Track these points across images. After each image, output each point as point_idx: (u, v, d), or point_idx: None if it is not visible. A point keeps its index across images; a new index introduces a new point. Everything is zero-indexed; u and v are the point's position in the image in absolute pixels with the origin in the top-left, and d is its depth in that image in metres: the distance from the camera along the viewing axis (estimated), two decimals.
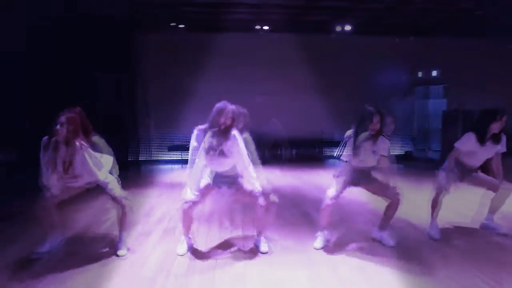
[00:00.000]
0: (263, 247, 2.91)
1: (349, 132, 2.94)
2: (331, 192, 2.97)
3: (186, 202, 2.75)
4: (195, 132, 2.74)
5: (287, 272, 2.55)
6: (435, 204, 3.31)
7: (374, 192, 3.06)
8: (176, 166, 7.78)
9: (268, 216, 2.98)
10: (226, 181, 2.85)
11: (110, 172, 2.82)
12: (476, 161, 3.24)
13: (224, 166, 2.76)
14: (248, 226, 3.42)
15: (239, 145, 2.71)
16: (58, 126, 2.48)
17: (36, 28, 5.24)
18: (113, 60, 6.92)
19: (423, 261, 2.70)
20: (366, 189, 3.08)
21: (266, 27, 7.41)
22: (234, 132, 2.74)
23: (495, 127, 3.06)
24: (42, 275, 2.45)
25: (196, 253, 2.86)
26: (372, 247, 3.00)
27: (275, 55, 8.00)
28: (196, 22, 7.06)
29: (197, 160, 2.70)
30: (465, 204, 4.28)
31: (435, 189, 3.31)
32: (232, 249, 3.00)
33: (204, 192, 2.84)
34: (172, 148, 8.05)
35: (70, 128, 2.49)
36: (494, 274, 2.46)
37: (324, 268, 2.61)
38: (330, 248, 2.97)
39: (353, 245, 3.03)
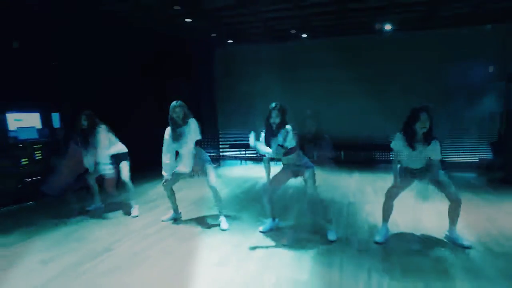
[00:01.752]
0: (223, 225, 3.74)
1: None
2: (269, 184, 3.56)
3: (164, 180, 3.83)
4: (167, 129, 3.75)
5: (207, 247, 3.24)
6: (385, 207, 3.40)
7: None
8: (236, 162, 8.97)
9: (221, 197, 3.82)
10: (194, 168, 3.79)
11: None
12: (414, 163, 3.19)
13: (183, 148, 3.65)
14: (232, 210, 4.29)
15: (191, 131, 3.58)
16: (84, 121, 4.00)
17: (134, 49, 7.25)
18: (180, 70, 8.59)
19: (332, 262, 2.92)
20: None
21: (304, 35, 7.80)
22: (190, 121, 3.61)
23: (419, 127, 2.97)
24: (87, 220, 4.06)
25: (172, 223, 3.95)
26: (304, 242, 3.34)
27: (325, 58, 8.30)
28: (245, 36, 8.12)
29: (165, 148, 3.72)
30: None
31: (389, 192, 3.39)
32: (200, 224, 3.90)
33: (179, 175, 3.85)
34: (233, 146, 9.29)
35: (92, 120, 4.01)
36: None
37: (238, 249, 3.19)
38: (270, 234, 3.55)
39: (291, 236, 3.48)
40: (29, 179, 4.85)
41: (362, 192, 5.24)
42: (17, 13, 4.96)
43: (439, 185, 3.17)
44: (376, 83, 8.02)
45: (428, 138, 3.01)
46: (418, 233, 3.54)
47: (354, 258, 2.95)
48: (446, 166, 7.28)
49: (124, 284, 2.57)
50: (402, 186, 3.33)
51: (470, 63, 7.38)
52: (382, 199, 3.40)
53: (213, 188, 3.73)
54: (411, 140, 3.05)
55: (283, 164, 3.56)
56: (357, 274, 2.66)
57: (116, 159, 4.19)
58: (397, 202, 3.38)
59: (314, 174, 3.42)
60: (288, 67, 8.51)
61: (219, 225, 3.76)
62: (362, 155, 8.25)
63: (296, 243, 3.32)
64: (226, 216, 3.89)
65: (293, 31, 7.55)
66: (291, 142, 3.27)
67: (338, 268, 2.77)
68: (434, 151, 3.07)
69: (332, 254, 3.03)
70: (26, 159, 4.89)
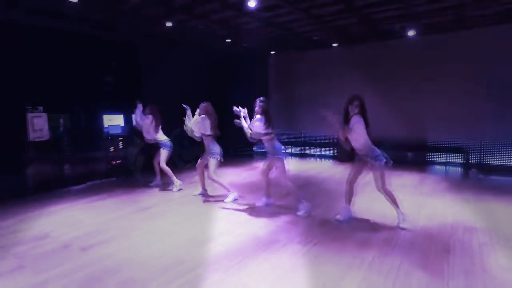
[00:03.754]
0: (227, 198, 5.08)
1: None
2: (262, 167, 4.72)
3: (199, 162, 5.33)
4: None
5: (211, 212, 4.62)
6: (347, 191, 4.18)
7: None
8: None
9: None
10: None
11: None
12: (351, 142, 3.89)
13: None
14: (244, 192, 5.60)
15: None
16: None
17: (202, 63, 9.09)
18: (242, 79, 10.12)
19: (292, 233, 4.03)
20: None
21: (335, 44, 8.47)
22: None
23: (350, 110, 3.77)
24: (145, 191, 5.82)
25: (198, 195, 5.43)
26: (279, 214, 4.46)
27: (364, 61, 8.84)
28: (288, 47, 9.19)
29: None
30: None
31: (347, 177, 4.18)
32: (217, 198, 5.28)
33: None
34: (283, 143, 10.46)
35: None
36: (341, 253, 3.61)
37: (229, 214, 4.51)
38: (261, 208, 4.73)
39: (272, 210, 4.63)
40: (114, 162, 6.95)
41: (364, 185, 5.85)
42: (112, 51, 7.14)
43: (373, 175, 3.86)
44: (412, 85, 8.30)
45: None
46: (377, 216, 4.26)
47: (308, 228, 3.93)
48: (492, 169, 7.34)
49: (153, 225, 4.08)
50: (358, 171, 4.06)
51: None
52: (377, 194, 4.03)
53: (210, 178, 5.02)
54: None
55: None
56: (303, 237, 3.65)
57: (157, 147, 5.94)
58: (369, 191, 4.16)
59: (282, 164, 4.44)
60: (329, 72, 9.35)
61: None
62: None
63: (272, 215, 4.42)
64: (241, 196, 5.27)
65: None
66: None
67: (291, 232, 3.80)
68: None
69: (293, 224, 4.07)
70: (112, 148, 7.00)
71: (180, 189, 5.85)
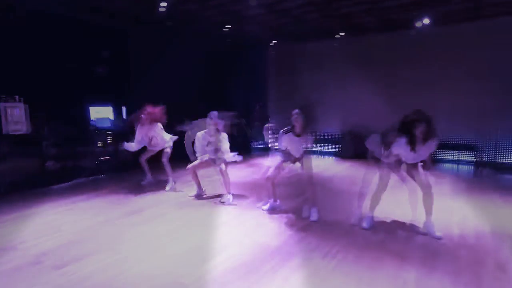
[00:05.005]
0: (223, 199, 4.53)
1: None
2: (270, 171, 4.13)
3: (189, 164, 4.73)
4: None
5: (209, 216, 4.03)
6: (373, 199, 3.65)
7: None
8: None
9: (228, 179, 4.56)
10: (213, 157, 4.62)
11: None
12: (410, 160, 3.40)
13: (209, 148, 4.57)
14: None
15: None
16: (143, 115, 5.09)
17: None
18: (240, 69, 9.50)
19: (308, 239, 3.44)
20: None
21: (341, 34, 7.93)
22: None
23: (419, 132, 3.19)
24: (136, 190, 5.18)
25: (195, 197, 4.80)
26: (291, 219, 3.89)
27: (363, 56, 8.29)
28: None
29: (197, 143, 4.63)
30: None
31: (377, 185, 3.66)
32: (215, 199, 4.67)
33: (205, 162, 4.70)
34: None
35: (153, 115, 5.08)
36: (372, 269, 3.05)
37: (232, 219, 3.94)
38: (266, 211, 4.14)
39: (281, 216, 4.04)
40: (102, 158, 6.29)
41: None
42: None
43: (414, 174, 3.34)
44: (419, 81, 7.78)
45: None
46: (402, 222, 3.73)
47: (326, 236, 3.37)
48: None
49: (144, 232, 3.48)
50: (388, 180, 3.56)
51: None
52: (388, 194, 3.56)
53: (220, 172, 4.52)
54: (413, 145, 3.25)
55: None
56: (322, 248, 3.09)
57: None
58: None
59: (309, 161, 3.93)
60: (332, 64, 8.79)
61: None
62: None
63: (282, 220, 3.85)
64: (239, 196, 4.68)
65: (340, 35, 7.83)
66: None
67: (307, 242, 3.23)
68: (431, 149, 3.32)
69: (307, 231, 3.50)
70: (100, 143, 6.33)
71: (172, 188, 5.25)
